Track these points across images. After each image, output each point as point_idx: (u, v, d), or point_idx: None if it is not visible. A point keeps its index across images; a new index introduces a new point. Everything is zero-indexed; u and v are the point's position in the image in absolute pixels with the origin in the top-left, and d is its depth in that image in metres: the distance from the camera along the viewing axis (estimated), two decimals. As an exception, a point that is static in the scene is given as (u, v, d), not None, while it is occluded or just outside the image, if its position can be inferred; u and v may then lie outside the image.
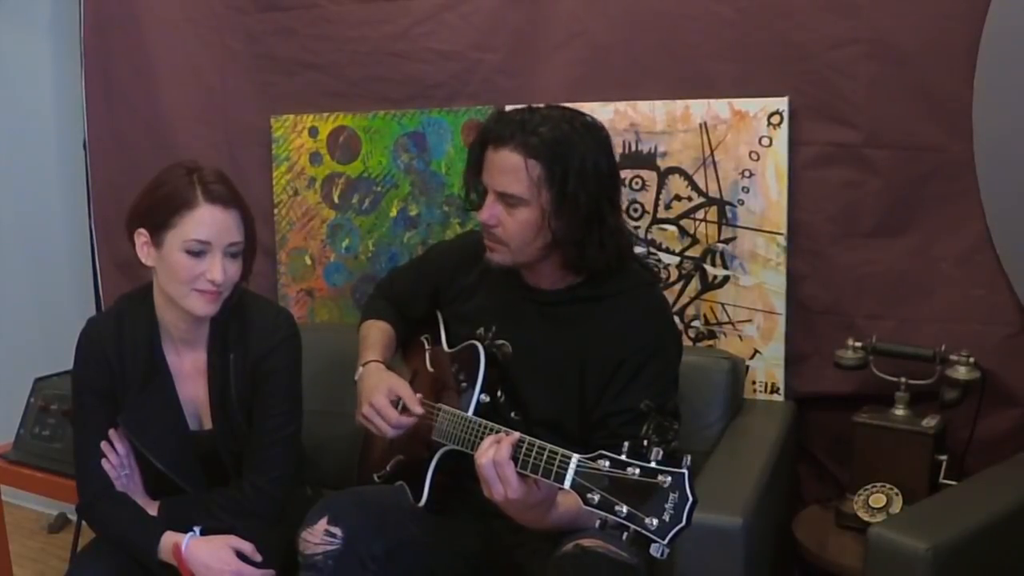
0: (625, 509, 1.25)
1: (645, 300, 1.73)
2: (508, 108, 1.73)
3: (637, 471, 1.26)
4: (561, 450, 1.36)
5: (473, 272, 1.80)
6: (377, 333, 1.92)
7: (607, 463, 1.30)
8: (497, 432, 1.56)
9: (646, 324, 1.68)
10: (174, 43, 2.75)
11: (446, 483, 1.73)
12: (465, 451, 1.63)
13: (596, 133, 1.66)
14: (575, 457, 1.33)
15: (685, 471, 1.24)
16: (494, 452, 1.40)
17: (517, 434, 1.42)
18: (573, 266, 1.68)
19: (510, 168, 1.61)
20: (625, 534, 1.26)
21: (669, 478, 1.24)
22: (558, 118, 1.63)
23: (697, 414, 1.98)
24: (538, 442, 1.39)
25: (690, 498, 1.23)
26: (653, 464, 1.26)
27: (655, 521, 1.23)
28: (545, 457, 1.36)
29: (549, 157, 1.59)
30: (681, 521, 1.22)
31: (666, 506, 1.23)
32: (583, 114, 1.69)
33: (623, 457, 1.29)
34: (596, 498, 1.28)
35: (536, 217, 1.62)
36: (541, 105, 1.70)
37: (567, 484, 1.33)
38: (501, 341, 1.74)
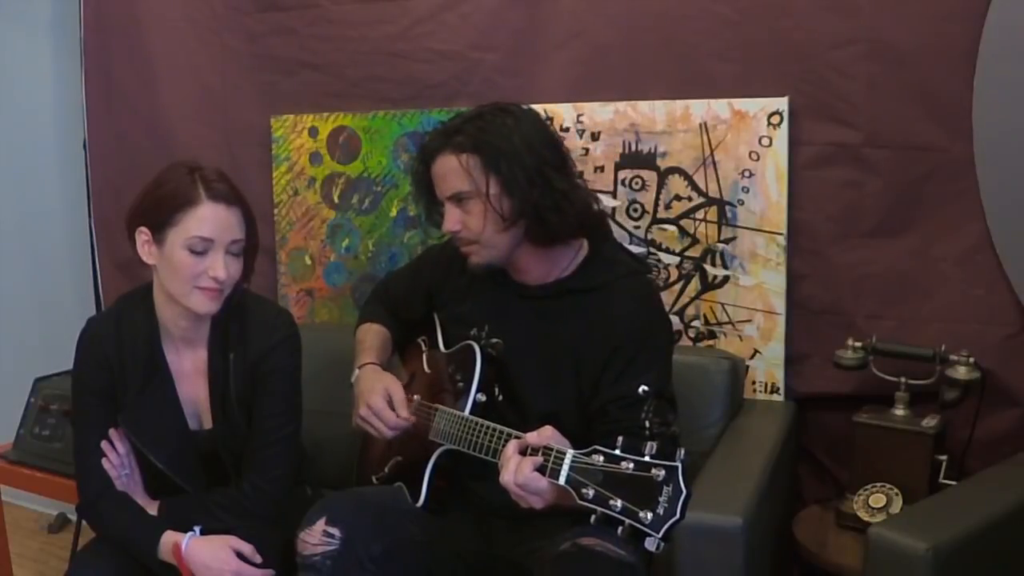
0: (619, 503, 1.26)
1: (634, 288, 1.73)
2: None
3: (631, 465, 1.27)
4: (556, 446, 1.37)
5: (465, 274, 1.80)
6: (373, 336, 1.93)
7: (601, 458, 1.30)
8: (494, 430, 1.57)
9: (636, 312, 1.68)
10: (174, 43, 2.75)
11: (444, 483, 1.74)
12: (463, 450, 1.64)
13: (520, 112, 1.70)
14: (569, 453, 1.34)
15: (678, 464, 1.24)
16: (516, 475, 1.38)
17: (517, 442, 1.42)
18: (543, 242, 1.69)
19: (449, 170, 1.66)
20: (620, 528, 1.26)
21: (663, 472, 1.24)
22: (480, 112, 1.69)
23: (697, 414, 1.98)
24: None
25: (683, 491, 1.23)
26: (647, 458, 1.26)
27: (649, 515, 1.23)
28: (540, 454, 1.37)
29: (478, 147, 1.64)
30: (675, 514, 1.23)
31: (660, 499, 1.23)
32: (507, 103, 1.73)
33: (617, 451, 1.29)
34: (591, 493, 1.29)
35: (490, 206, 1.65)
36: (474, 108, 1.74)
37: (562, 480, 1.33)
38: (495, 340, 1.75)
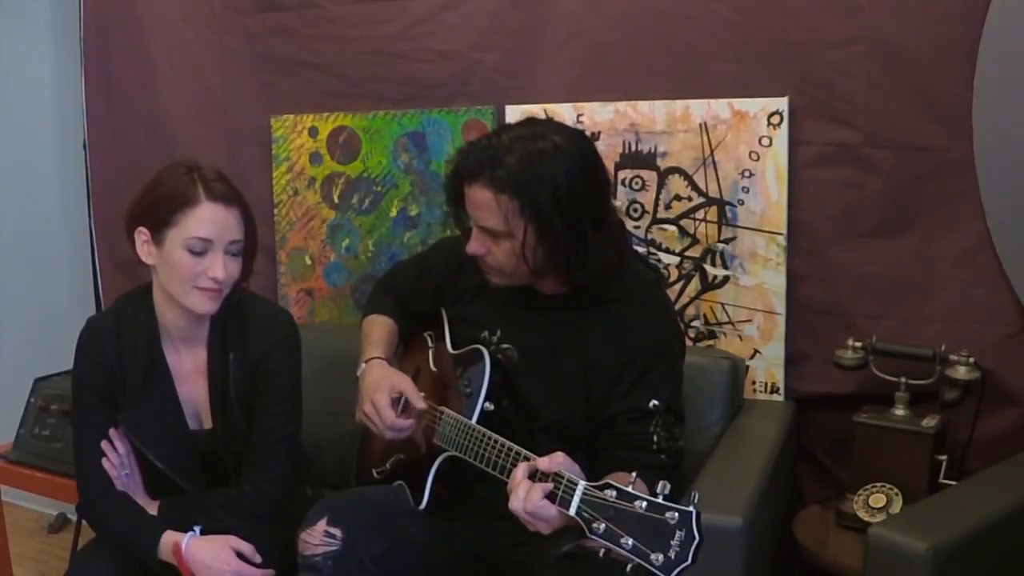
0: (631, 542, 1.24)
1: (650, 301, 1.72)
2: (495, 129, 1.68)
3: (644, 504, 1.25)
4: (567, 475, 1.34)
5: (477, 273, 1.79)
6: (380, 329, 1.91)
7: (613, 492, 1.29)
8: (503, 446, 1.55)
9: (652, 325, 1.68)
10: (174, 43, 2.75)
11: (445, 489, 1.73)
12: (466, 459, 1.63)
13: (571, 148, 1.59)
14: (581, 484, 1.32)
15: (692, 510, 1.23)
16: (526, 503, 1.35)
17: (527, 465, 1.41)
18: (564, 283, 1.67)
19: (484, 204, 1.58)
20: (630, 566, 1.25)
21: (676, 515, 1.23)
22: (527, 139, 1.58)
23: (697, 414, 1.98)
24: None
25: (696, 537, 1.22)
26: (660, 499, 1.25)
27: (660, 557, 1.22)
28: (550, 481, 1.36)
29: (518, 190, 1.55)
30: (687, 559, 1.22)
31: (672, 543, 1.22)
32: (557, 128, 1.63)
33: (630, 488, 1.28)
34: (601, 527, 1.27)
35: (520, 247, 1.59)
36: (514, 123, 1.67)
37: (572, 511, 1.31)
38: (506, 346, 1.74)
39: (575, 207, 1.57)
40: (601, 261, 1.61)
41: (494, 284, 1.70)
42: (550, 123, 1.67)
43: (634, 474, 1.31)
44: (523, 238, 1.57)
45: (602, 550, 1.28)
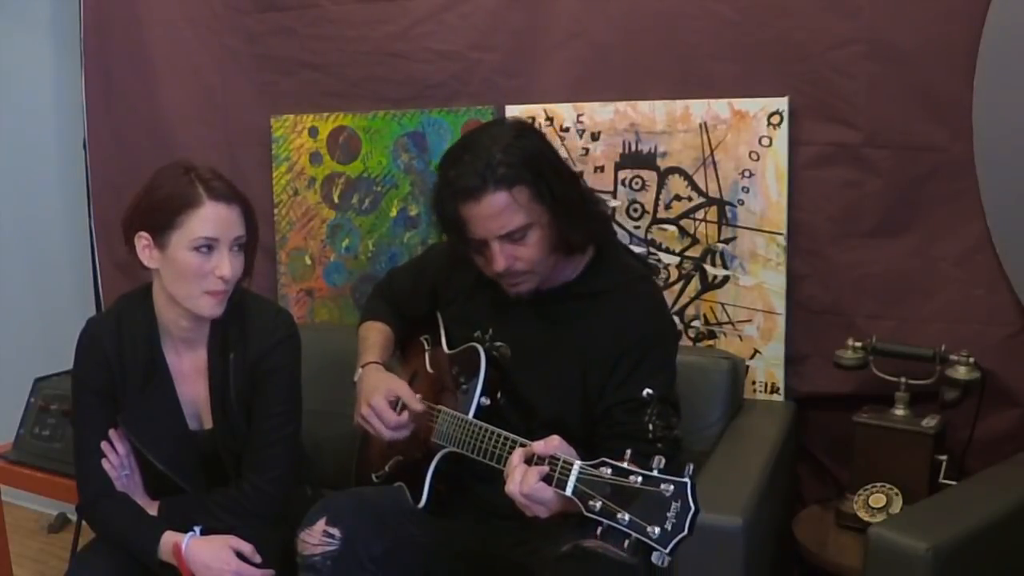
0: (627, 517, 1.25)
1: (641, 292, 1.73)
2: (448, 155, 1.69)
3: (639, 479, 1.26)
4: (563, 456, 1.35)
5: (471, 273, 1.79)
6: (376, 334, 1.92)
7: (609, 470, 1.29)
8: (499, 436, 1.56)
9: (644, 316, 1.68)
10: (174, 43, 2.75)
11: (444, 487, 1.73)
12: (465, 454, 1.64)
13: (523, 126, 1.69)
14: (576, 463, 1.33)
15: (687, 480, 1.23)
16: (522, 486, 1.36)
17: (523, 450, 1.41)
18: (568, 252, 1.68)
19: (502, 208, 1.58)
20: (627, 541, 1.25)
21: (672, 487, 1.23)
22: (496, 136, 1.62)
23: (697, 414, 1.98)
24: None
25: (692, 507, 1.22)
26: (655, 472, 1.25)
27: (657, 530, 1.23)
28: (546, 464, 1.36)
29: (527, 176, 1.58)
30: (683, 530, 1.22)
31: (668, 515, 1.22)
32: (497, 122, 1.78)
33: (625, 464, 1.28)
34: (598, 505, 1.28)
35: (545, 231, 1.62)
36: (464, 137, 1.72)
37: (568, 491, 1.32)
38: (499, 343, 1.74)
39: (564, 171, 1.68)
40: (599, 209, 1.75)
41: (523, 294, 1.69)
42: (490, 123, 1.81)
43: (628, 451, 1.31)
44: (548, 219, 1.61)
45: (599, 528, 1.28)
